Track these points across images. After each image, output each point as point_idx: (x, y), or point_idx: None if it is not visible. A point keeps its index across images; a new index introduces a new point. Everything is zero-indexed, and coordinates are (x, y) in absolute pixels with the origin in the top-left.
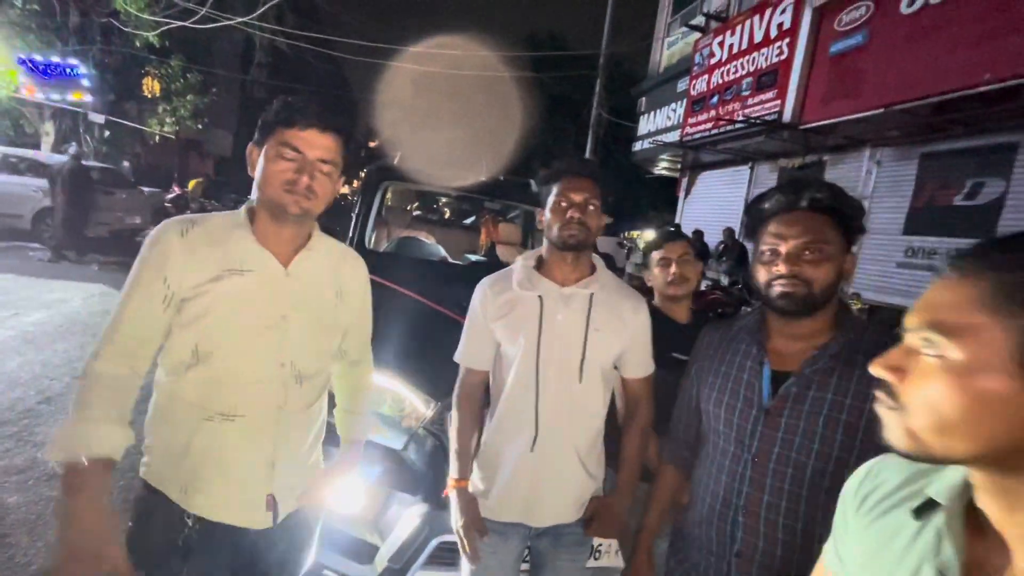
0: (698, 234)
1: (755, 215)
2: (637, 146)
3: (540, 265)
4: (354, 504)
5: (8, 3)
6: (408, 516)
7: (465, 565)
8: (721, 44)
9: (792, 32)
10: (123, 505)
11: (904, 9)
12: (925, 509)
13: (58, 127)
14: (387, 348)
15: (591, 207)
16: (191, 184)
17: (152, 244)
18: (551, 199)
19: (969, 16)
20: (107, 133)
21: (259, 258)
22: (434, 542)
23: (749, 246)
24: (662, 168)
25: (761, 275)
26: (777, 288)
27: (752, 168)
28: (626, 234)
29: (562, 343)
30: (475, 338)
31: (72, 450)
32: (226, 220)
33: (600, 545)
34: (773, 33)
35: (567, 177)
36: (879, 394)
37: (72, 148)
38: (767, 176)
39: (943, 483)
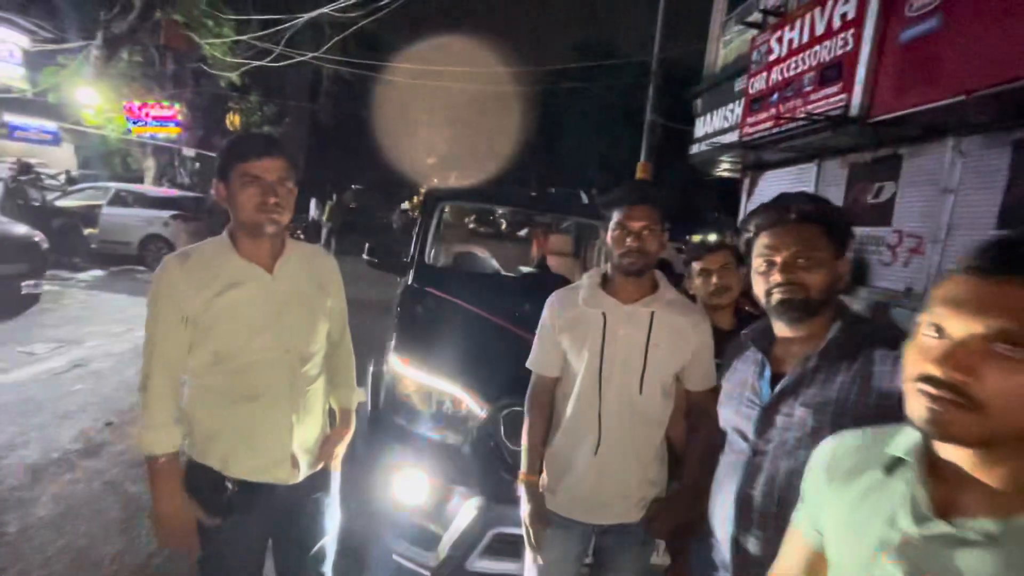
0: None
1: (748, 231)
2: (694, 149)
3: (605, 282)
4: (418, 495)
5: (117, 57)
6: (467, 508)
7: (528, 556)
8: (780, 40)
9: (857, 22)
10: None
11: None
12: (892, 467)
13: (157, 162)
14: (446, 355)
15: (647, 232)
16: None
17: (160, 279)
18: (611, 226)
19: None
20: (197, 165)
21: (248, 271)
22: (490, 533)
23: None
24: (723, 170)
25: (760, 286)
26: (776, 296)
27: (819, 165)
28: (688, 238)
29: (623, 358)
30: (544, 347)
31: (149, 450)
32: (214, 246)
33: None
34: (836, 24)
35: (625, 206)
36: (941, 394)
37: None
38: (835, 172)
39: (904, 442)
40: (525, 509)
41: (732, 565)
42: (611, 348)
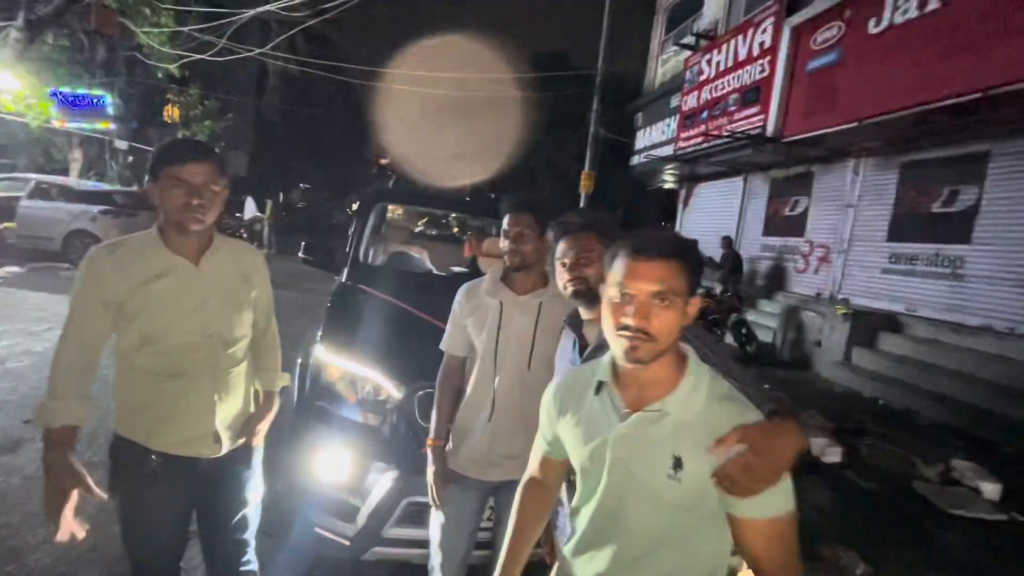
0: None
1: (554, 234)
2: (634, 160)
3: (505, 276)
4: (340, 472)
5: (40, 40)
6: (383, 481)
7: (432, 514)
8: (709, 62)
9: (772, 50)
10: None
11: (871, 29)
12: (599, 388)
13: (85, 154)
14: (369, 344)
15: (522, 235)
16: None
17: (87, 265)
18: (502, 231)
19: (929, 35)
20: (131, 159)
21: (174, 263)
22: (404, 502)
23: (744, 255)
24: (664, 181)
25: (559, 281)
26: (569, 288)
27: (745, 179)
28: None
29: (516, 340)
30: (454, 331)
31: (47, 421)
32: (142, 239)
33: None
34: (756, 51)
35: (507, 214)
36: (634, 335)
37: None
38: (760, 186)
39: (602, 369)
40: (430, 469)
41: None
42: (506, 331)
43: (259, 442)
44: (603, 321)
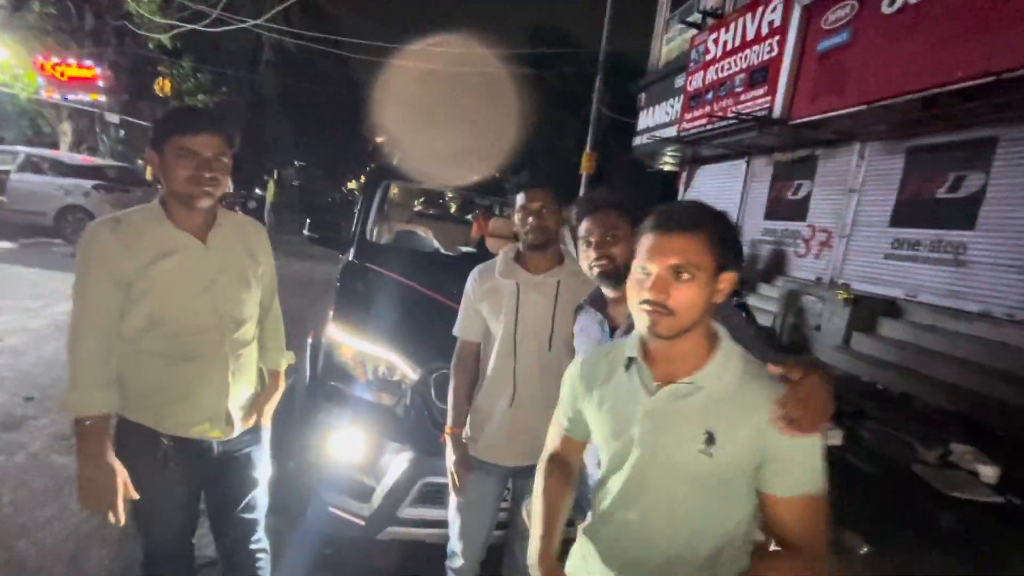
0: None
1: (578, 212)
2: (636, 141)
3: (518, 257)
4: (354, 452)
5: (26, 7)
6: (398, 461)
7: (453, 499)
8: (716, 41)
9: (782, 30)
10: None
11: (885, 9)
12: (628, 364)
13: (75, 127)
14: (382, 324)
15: (545, 211)
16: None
17: (90, 244)
18: (516, 208)
19: (944, 16)
20: (122, 132)
21: (182, 240)
22: (420, 482)
23: (746, 238)
24: (665, 163)
25: (583, 260)
26: (595, 268)
27: (748, 162)
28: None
29: (534, 321)
30: (467, 315)
31: (78, 411)
32: (144, 214)
33: None
34: (764, 31)
35: (525, 190)
36: (653, 309)
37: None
38: (763, 169)
39: (630, 345)
40: (451, 458)
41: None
42: (524, 313)
43: (267, 422)
44: (628, 297)
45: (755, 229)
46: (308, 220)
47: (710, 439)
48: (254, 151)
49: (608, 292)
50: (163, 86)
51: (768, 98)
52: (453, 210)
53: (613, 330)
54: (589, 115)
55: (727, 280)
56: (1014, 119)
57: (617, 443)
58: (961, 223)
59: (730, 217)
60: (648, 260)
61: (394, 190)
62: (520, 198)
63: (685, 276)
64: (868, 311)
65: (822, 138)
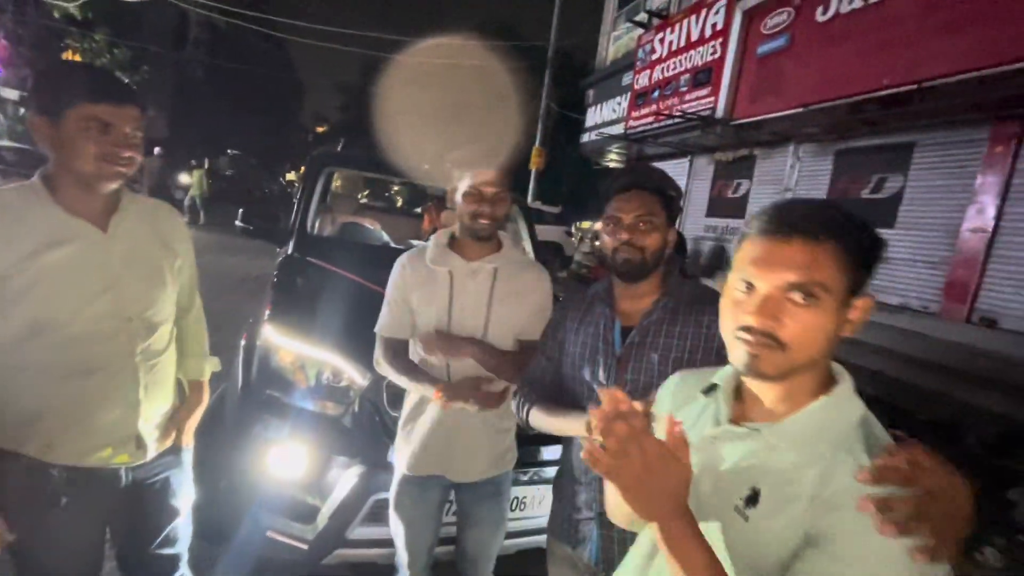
0: None
1: (603, 191)
2: (584, 138)
3: (452, 243)
4: (295, 469)
5: None
6: (346, 477)
7: (392, 514)
8: (662, 41)
9: (724, 32)
10: None
11: (819, 17)
12: (710, 391)
13: None
14: (327, 325)
15: (501, 196)
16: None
17: None
18: (463, 193)
19: (872, 27)
20: (22, 111)
21: (74, 228)
22: (371, 499)
23: (688, 236)
24: (612, 160)
25: (607, 243)
26: (621, 254)
27: (691, 161)
28: (577, 224)
29: (469, 311)
30: (394, 310)
31: None
32: (21, 195)
33: (525, 497)
34: (708, 32)
35: (474, 172)
36: (757, 340)
37: None
38: (704, 168)
39: (723, 373)
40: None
41: (597, 504)
42: (458, 303)
43: (188, 441)
44: (722, 318)
45: (697, 226)
46: (240, 210)
47: (752, 498)
48: (182, 137)
49: (621, 286)
50: (72, 60)
51: (711, 98)
52: (398, 202)
53: (626, 331)
54: (536, 111)
55: (861, 308)
56: (930, 126)
57: None
58: (883, 222)
59: (869, 224)
60: (754, 274)
61: (338, 181)
62: (468, 179)
63: (806, 299)
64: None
65: (760, 139)
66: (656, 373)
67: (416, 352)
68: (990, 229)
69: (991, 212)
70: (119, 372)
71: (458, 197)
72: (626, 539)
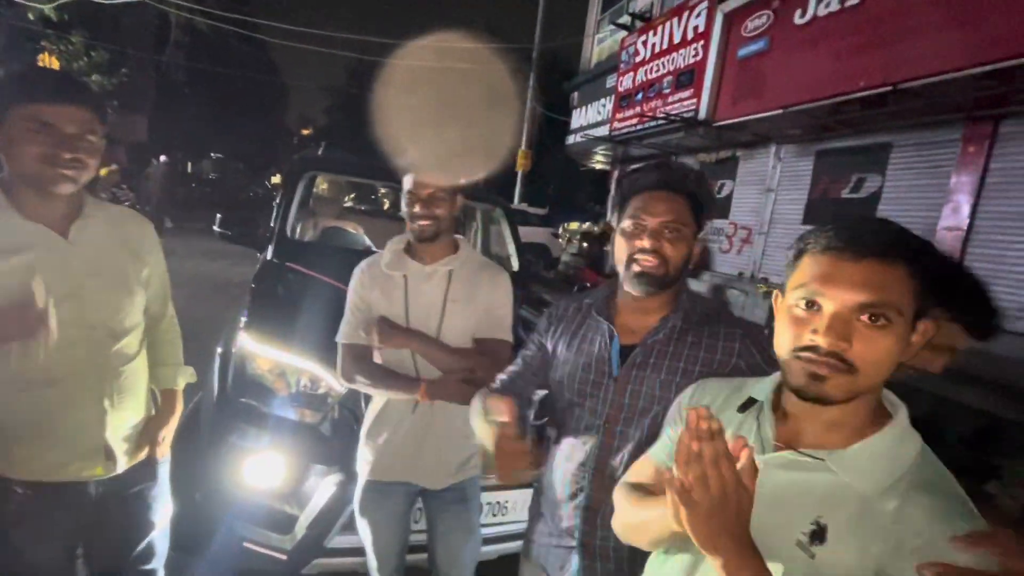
0: None
1: (626, 187)
2: (570, 140)
3: (408, 248)
4: (272, 478)
5: None
6: (325, 485)
7: (359, 521)
8: (645, 43)
9: (706, 35)
10: None
11: (797, 20)
12: (746, 406)
13: None
14: (305, 331)
15: (438, 199)
16: (103, 171)
17: None
18: (403, 195)
19: (849, 30)
20: None
21: (32, 233)
22: (350, 508)
23: None
24: (597, 161)
25: (623, 249)
26: (640, 264)
27: None
28: (564, 226)
29: (424, 313)
30: (356, 316)
31: None
32: None
33: (507, 501)
34: (690, 35)
35: (413, 174)
36: (824, 361)
37: None
38: None
39: (760, 388)
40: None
41: (581, 533)
42: (414, 306)
43: (164, 452)
44: (777, 336)
45: None
46: (219, 215)
47: (818, 534)
48: (163, 141)
49: (628, 298)
50: (47, 63)
51: (694, 100)
52: (387, 206)
53: (626, 349)
54: (521, 113)
55: (922, 332)
56: (906, 126)
57: None
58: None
59: (936, 247)
60: (822, 292)
61: (322, 184)
62: (407, 182)
63: (878, 321)
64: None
65: (742, 140)
66: (657, 399)
67: (377, 355)
68: (964, 227)
69: (965, 211)
70: (83, 382)
71: (403, 205)
72: (611, 571)
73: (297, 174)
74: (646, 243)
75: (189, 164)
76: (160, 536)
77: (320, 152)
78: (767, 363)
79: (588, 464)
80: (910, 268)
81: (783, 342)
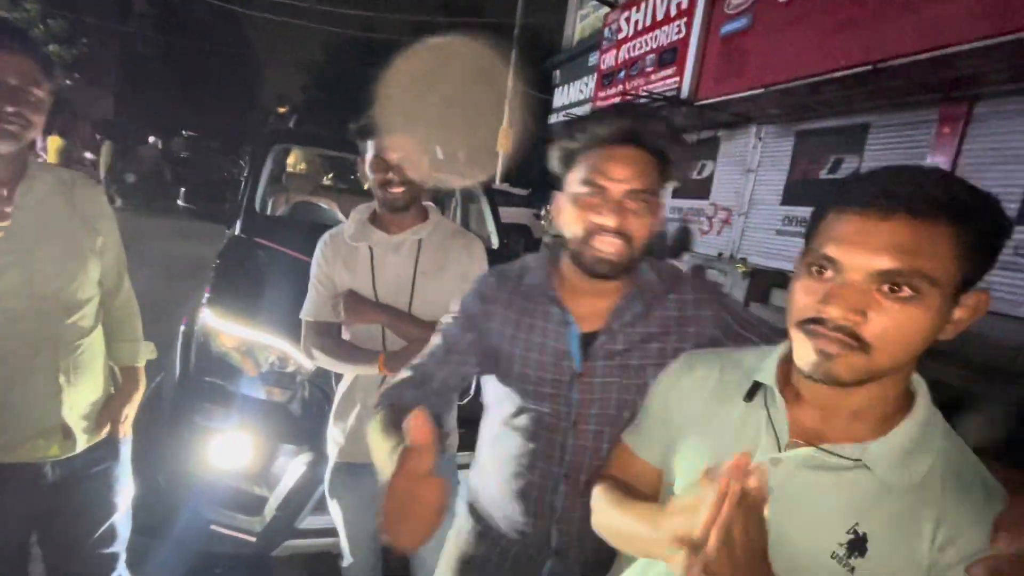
0: None
1: (577, 134)
2: (552, 119)
3: (373, 217)
4: (240, 460)
5: None
6: (295, 465)
7: (330, 503)
8: (628, 20)
9: (689, 12)
10: None
11: None
12: (752, 393)
13: None
14: (272, 307)
15: (406, 165)
16: (53, 144)
17: None
18: (368, 160)
19: (829, 7)
20: None
21: None
22: (321, 488)
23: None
24: None
25: (577, 221)
26: (600, 244)
27: None
28: (547, 207)
29: (393, 286)
30: (321, 292)
31: None
32: None
33: None
34: (673, 12)
35: (378, 137)
36: (834, 336)
37: None
38: None
39: (763, 367)
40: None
41: (559, 538)
42: (381, 278)
43: (126, 431)
44: (788, 307)
45: (664, 207)
46: (183, 189)
47: (858, 544)
48: (130, 117)
49: (582, 278)
50: None
51: (676, 79)
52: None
53: (590, 337)
54: (503, 90)
55: (972, 307)
56: (884, 107)
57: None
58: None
59: (994, 200)
60: (837, 254)
61: (302, 165)
62: (371, 147)
63: (903, 292)
64: (763, 283)
65: (724, 120)
66: (633, 393)
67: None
68: None
69: None
70: (34, 356)
71: (367, 169)
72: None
73: (266, 146)
74: (608, 220)
75: (159, 142)
76: (122, 519)
77: (291, 125)
78: (743, 327)
79: (559, 472)
80: (955, 228)
81: (791, 312)
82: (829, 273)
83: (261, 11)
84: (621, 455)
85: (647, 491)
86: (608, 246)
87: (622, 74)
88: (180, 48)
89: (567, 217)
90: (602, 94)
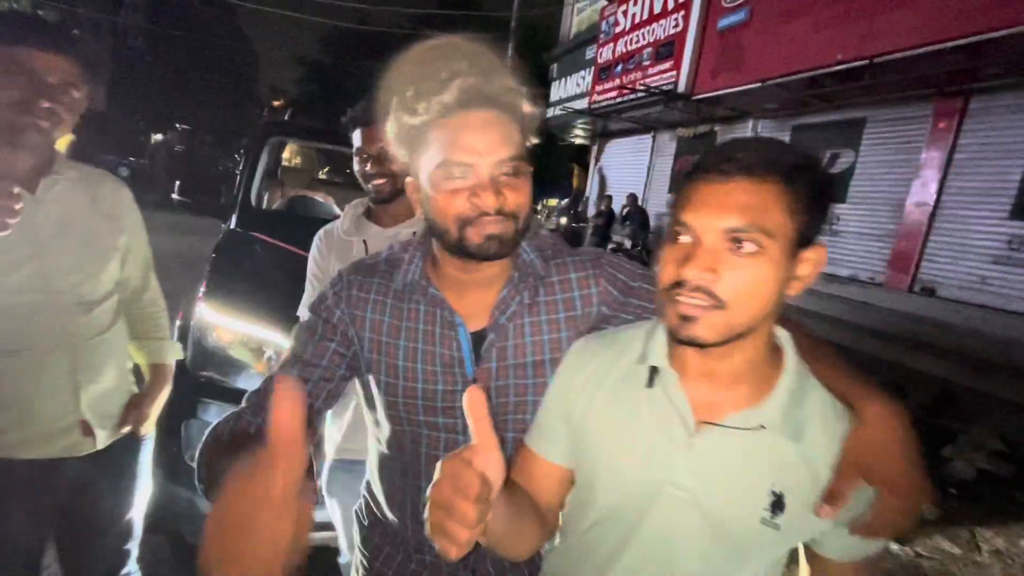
0: (607, 199)
1: (413, 105)
2: (548, 113)
3: (368, 212)
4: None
5: None
6: None
7: (327, 500)
8: (625, 13)
9: (686, 6)
10: None
11: None
12: (651, 378)
13: None
14: (268, 301)
15: (386, 152)
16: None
17: None
18: (354, 153)
19: (827, 1)
20: None
21: None
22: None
23: (651, 212)
24: (577, 135)
25: (450, 206)
26: (488, 227)
27: (654, 137)
28: (543, 202)
29: None
30: (315, 288)
31: None
32: None
33: None
34: (670, 5)
35: (362, 127)
36: (688, 296)
37: None
38: (667, 144)
39: (656, 353)
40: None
41: (473, 560)
42: None
43: (149, 429)
44: (658, 279)
45: (660, 203)
46: (177, 183)
47: (777, 504)
48: (124, 110)
49: (460, 269)
50: None
51: (673, 72)
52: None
53: (480, 338)
54: None
55: (812, 260)
56: (880, 102)
57: (629, 500)
58: (836, 196)
59: (820, 162)
60: (689, 220)
61: (298, 158)
62: (357, 137)
63: (746, 247)
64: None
65: (720, 114)
66: (532, 390)
67: None
68: (932, 203)
69: (933, 186)
70: (51, 352)
71: (354, 161)
72: None
73: (261, 140)
74: (487, 199)
75: (153, 135)
76: (139, 516)
77: (287, 118)
78: (628, 294)
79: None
80: (786, 186)
81: (658, 282)
82: (685, 237)
83: (257, 3)
84: (523, 460)
85: (550, 494)
86: (493, 227)
87: (619, 68)
88: (173, 40)
89: (433, 206)
90: (599, 88)
